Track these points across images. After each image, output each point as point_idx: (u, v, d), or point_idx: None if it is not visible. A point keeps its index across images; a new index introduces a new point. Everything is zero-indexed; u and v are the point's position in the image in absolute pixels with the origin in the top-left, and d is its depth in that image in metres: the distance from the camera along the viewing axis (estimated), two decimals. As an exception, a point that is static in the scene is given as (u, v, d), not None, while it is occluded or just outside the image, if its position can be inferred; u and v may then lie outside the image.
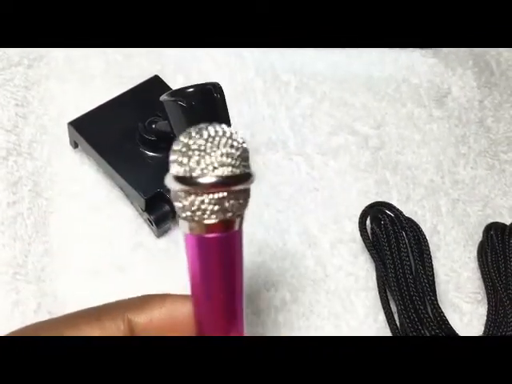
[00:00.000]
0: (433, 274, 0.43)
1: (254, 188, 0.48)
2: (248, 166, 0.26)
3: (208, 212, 0.24)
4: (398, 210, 0.46)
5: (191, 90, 0.39)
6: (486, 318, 0.44)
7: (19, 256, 0.41)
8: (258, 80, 0.55)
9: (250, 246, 0.46)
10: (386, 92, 0.56)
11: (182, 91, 0.40)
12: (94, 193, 0.46)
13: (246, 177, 0.25)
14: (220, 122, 0.40)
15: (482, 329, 0.44)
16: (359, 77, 0.56)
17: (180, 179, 0.25)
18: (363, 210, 0.47)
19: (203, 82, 0.41)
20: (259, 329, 0.42)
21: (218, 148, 0.24)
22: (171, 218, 0.44)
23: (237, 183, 0.25)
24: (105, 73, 0.51)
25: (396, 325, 0.43)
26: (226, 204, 0.24)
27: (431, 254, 0.47)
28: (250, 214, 0.48)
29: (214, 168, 0.24)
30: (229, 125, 0.41)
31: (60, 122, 0.47)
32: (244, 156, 0.25)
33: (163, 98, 0.40)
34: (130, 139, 0.45)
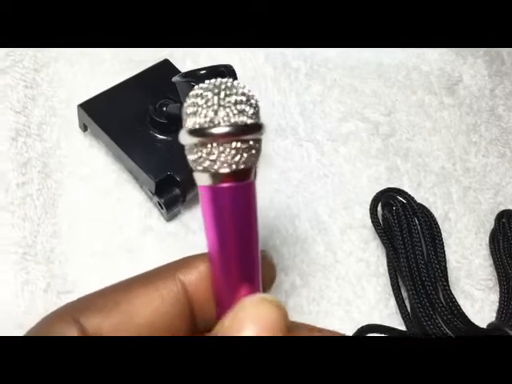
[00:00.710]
0: (445, 259, 0.43)
1: (264, 173, 0.48)
2: (259, 118, 0.26)
3: (222, 161, 0.24)
4: (409, 195, 0.46)
5: (204, 71, 0.39)
6: (497, 304, 0.44)
7: (29, 236, 0.41)
8: (268, 66, 0.54)
9: (260, 231, 0.45)
10: (396, 79, 0.56)
11: (194, 72, 0.39)
12: (103, 176, 0.45)
13: (257, 127, 0.25)
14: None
15: (494, 315, 0.44)
16: (370, 64, 0.56)
17: (193, 132, 0.25)
18: (374, 196, 0.46)
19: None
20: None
21: (231, 99, 0.24)
22: (181, 201, 0.44)
23: (249, 133, 0.25)
24: (115, 56, 0.51)
25: (407, 311, 0.43)
26: (239, 154, 0.25)
27: (444, 240, 0.47)
28: (259, 199, 0.48)
29: (226, 118, 0.24)
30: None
31: (69, 104, 0.47)
32: (255, 107, 0.25)
33: (175, 79, 0.40)
34: (141, 122, 0.45)
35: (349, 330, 0.42)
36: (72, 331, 0.24)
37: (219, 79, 0.25)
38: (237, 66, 0.53)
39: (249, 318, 0.23)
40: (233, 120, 0.24)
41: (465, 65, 0.58)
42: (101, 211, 0.44)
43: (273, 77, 0.54)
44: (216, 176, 0.25)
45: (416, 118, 0.54)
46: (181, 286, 0.26)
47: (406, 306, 0.43)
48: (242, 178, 0.25)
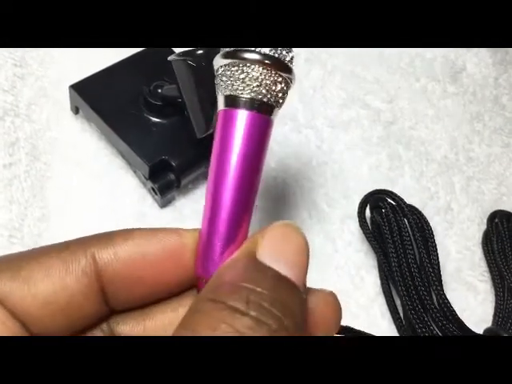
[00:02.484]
0: (438, 262, 0.41)
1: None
2: (292, 64, 0.27)
3: (246, 86, 0.26)
4: (399, 197, 0.44)
5: (201, 51, 0.38)
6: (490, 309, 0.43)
7: (15, 219, 0.39)
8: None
9: (258, 219, 0.44)
10: (399, 66, 0.54)
11: (191, 52, 0.38)
12: (95, 160, 0.44)
13: (288, 68, 0.27)
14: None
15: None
16: (372, 50, 0.54)
17: (227, 54, 0.26)
18: (362, 199, 0.44)
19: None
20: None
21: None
22: (175, 187, 0.42)
23: (279, 67, 0.26)
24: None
25: (401, 318, 0.41)
26: (265, 85, 0.26)
27: (445, 231, 0.45)
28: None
29: (265, 50, 0.26)
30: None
31: (61, 85, 0.45)
32: (290, 56, 0.27)
33: (172, 57, 0.38)
34: (135, 104, 0.43)
35: (347, 322, 0.41)
36: None
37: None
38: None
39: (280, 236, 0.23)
40: (265, 50, 0.26)
41: (469, 53, 0.56)
42: (92, 196, 0.42)
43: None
44: (237, 100, 0.26)
45: (419, 106, 0.52)
46: (91, 261, 0.24)
47: (398, 312, 0.41)
48: (262, 110, 0.26)
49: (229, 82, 0.26)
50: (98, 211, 0.42)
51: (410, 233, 0.42)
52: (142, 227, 0.26)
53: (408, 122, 0.51)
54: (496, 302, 0.42)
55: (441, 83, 0.54)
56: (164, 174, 0.41)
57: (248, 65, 0.26)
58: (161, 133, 0.42)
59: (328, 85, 0.52)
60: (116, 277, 0.24)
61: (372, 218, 0.44)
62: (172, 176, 0.41)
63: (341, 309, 0.27)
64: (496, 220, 0.45)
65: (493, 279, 0.43)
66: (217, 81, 0.27)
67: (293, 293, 0.22)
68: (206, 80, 0.37)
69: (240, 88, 0.26)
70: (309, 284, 0.42)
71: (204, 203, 0.26)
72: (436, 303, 0.40)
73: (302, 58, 0.53)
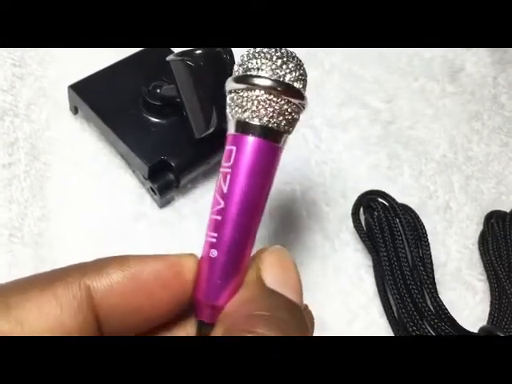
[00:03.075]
0: (431, 262, 0.41)
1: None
2: (304, 90, 0.27)
3: (256, 112, 0.25)
4: (391, 197, 0.44)
5: (200, 51, 0.38)
6: (484, 311, 0.42)
7: (15, 218, 0.39)
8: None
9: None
10: (397, 65, 0.54)
11: (189, 52, 0.38)
12: (94, 160, 0.44)
13: (299, 94, 0.26)
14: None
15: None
16: (370, 49, 0.55)
17: (239, 79, 0.26)
18: (356, 200, 0.45)
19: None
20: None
21: (282, 60, 0.26)
22: (175, 187, 0.42)
23: (291, 94, 0.26)
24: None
25: (395, 318, 0.41)
26: (274, 111, 0.25)
27: (445, 230, 0.46)
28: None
29: (272, 72, 0.25)
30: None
31: (60, 85, 0.45)
32: (303, 79, 0.27)
33: (170, 57, 0.38)
34: (134, 104, 0.43)
35: (345, 322, 0.41)
36: None
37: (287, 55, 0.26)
38: (234, 52, 0.52)
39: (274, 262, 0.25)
40: (277, 76, 0.25)
41: (467, 52, 0.56)
42: (91, 196, 0.42)
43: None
44: (246, 126, 0.26)
45: (417, 106, 0.52)
46: (85, 294, 0.23)
47: (393, 312, 0.41)
48: (270, 137, 0.26)
49: (239, 107, 0.26)
50: (97, 211, 0.42)
51: (402, 233, 0.42)
52: (136, 255, 0.25)
53: (407, 122, 0.51)
54: (491, 302, 0.42)
55: (439, 83, 0.54)
56: (163, 174, 0.41)
57: (259, 91, 0.25)
58: (160, 133, 0.42)
59: (326, 84, 0.52)
60: (112, 309, 0.24)
61: (366, 219, 0.44)
62: (171, 176, 0.41)
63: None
64: (492, 220, 0.45)
65: (488, 279, 0.43)
66: (228, 103, 0.27)
67: (300, 314, 0.24)
68: (204, 80, 0.37)
69: (250, 114, 0.26)
70: (307, 285, 0.42)
71: (207, 224, 0.26)
72: (429, 303, 0.40)
73: (299, 56, 0.53)
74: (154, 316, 0.25)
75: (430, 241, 0.44)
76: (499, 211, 0.46)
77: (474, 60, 0.56)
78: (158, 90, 0.42)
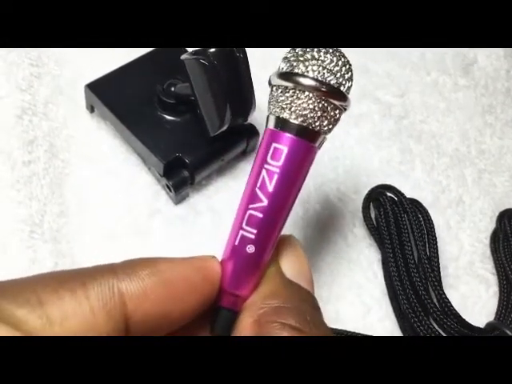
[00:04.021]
0: (437, 258, 0.41)
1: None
2: (348, 91, 0.27)
3: (296, 111, 0.26)
4: (399, 191, 0.44)
5: (213, 50, 0.38)
6: (496, 306, 0.42)
7: (35, 215, 0.40)
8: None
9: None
10: (409, 60, 0.54)
11: (203, 51, 0.38)
12: (110, 157, 0.45)
13: (341, 95, 0.26)
14: (242, 83, 0.39)
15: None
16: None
17: (282, 75, 0.26)
18: (366, 194, 0.45)
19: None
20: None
21: (328, 60, 0.26)
22: (189, 183, 0.43)
23: (334, 96, 0.26)
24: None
25: (402, 315, 0.41)
26: (313, 111, 0.26)
27: (458, 224, 0.46)
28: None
29: (318, 72, 0.26)
30: (251, 86, 0.40)
31: (76, 83, 0.46)
32: (348, 79, 0.27)
33: (184, 56, 0.39)
34: (149, 103, 0.44)
35: (359, 316, 0.42)
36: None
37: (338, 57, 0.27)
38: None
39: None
40: (321, 76, 0.26)
41: (480, 45, 0.56)
42: (108, 193, 0.43)
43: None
44: (285, 123, 0.26)
45: (430, 100, 0.52)
46: (118, 300, 0.22)
47: (400, 307, 0.41)
48: (306, 136, 0.26)
49: (280, 104, 0.26)
50: (114, 207, 0.43)
51: (409, 228, 0.42)
52: (164, 257, 0.25)
53: (419, 116, 0.51)
54: (499, 298, 0.42)
55: (452, 76, 0.54)
56: (178, 171, 0.42)
57: (302, 90, 0.25)
58: (174, 130, 0.43)
59: (339, 80, 0.52)
60: (144, 316, 0.23)
61: (375, 213, 0.44)
62: (186, 173, 0.42)
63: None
64: (504, 219, 0.45)
65: (498, 277, 0.44)
66: (270, 98, 0.27)
67: (316, 303, 0.27)
68: (218, 78, 0.38)
69: (290, 112, 0.26)
70: (323, 278, 0.43)
71: (239, 217, 0.27)
72: (435, 299, 0.40)
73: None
74: (181, 319, 0.25)
75: (442, 235, 0.45)
76: (511, 210, 0.46)
77: (487, 53, 0.56)
78: (173, 89, 0.43)
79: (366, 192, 0.46)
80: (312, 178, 0.47)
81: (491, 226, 0.46)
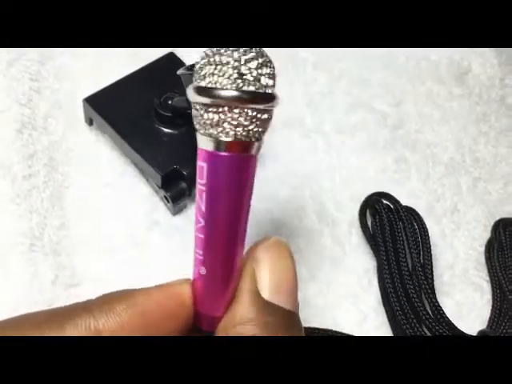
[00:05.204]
0: (431, 267, 0.42)
1: (270, 166, 0.48)
2: (273, 87, 0.24)
3: (225, 129, 0.23)
4: (395, 199, 0.45)
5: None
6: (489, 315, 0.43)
7: (36, 228, 0.41)
8: (275, 58, 0.54)
9: (266, 223, 0.45)
10: (405, 69, 0.55)
11: (199, 65, 0.39)
12: (109, 170, 0.46)
13: (267, 97, 0.24)
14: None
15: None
16: (377, 54, 0.55)
17: (201, 91, 0.23)
18: (363, 202, 0.46)
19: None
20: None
21: (244, 63, 0.23)
22: (187, 195, 0.44)
23: (257, 101, 0.23)
24: (121, 49, 0.51)
25: (396, 323, 0.41)
26: (244, 123, 0.23)
27: (453, 232, 0.46)
28: (265, 191, 0.47)
29: (236, 83, 0.23)
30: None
31: (75, 97, 0.47)
32: (270, 75, 0.24)
33: (180, 71, 0.39)
34: (146, 116, 0.44)
35: (355, 324, 0.42)
36: None
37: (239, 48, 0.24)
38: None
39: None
40: (241, 85, 0.23)
41: (474, 54, 0.57)
42: (107, 205, 0.44)
43: (280, 67, 0.53)
44: (217, 143, 0.23)
45: (424, 109, 0.53)
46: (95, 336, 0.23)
47: (394, 315, 0.41)
48: (244, 150, 0.24)
49: (203, 122, 0.23)
50: (113, 219, 0.44)
51: (404, 236, 0.43)
52: (140, 289, 0.25)
53: (414, 125, 0.52)
54: (492, 306, 0.43)
55: (446, 85, 0.55)
56: (176, 182, 0.43)
57: (222, 106, 0.23)
58: (172, 143, 0.44)
59: (335, 90, 0.53)
60: None
61: (371, 220, 0.45)
62: (184, 184, 0.43)
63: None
64: (499, 228, 0.45)
65: (492, 286, 0.44)
66: (193, 115, 0.24)
67: (296, 324, 0.25)
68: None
69: (215, 129, 0.23)
70: (319, 287, 0.43)
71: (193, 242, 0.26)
72: (428, 308, 0.40)
73: (309, 64, 0.54)
74: None
75: (438, 243, 0.45)
76: (506, 219, 0.46)
77: (481, 61, 0.57)
78: (170, 102, 0.44)
79: (361, 201, 0.47)
80: (309, 187, 0.48)
81: (485, 233, 0.47)
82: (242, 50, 0.23)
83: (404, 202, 0.47)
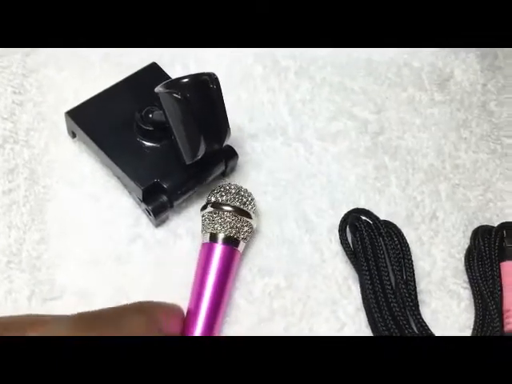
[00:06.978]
0: (414, 283, 0.43)
1: (252, 175, 0.48)
2: (253, 212, 0.44)
3: (222, 227, 0.42)
4: (374, 215, 0.45)
5: (186, 80, 0.39)
6: (468, 320, 0.44)
7: (14, 244, 0.42)
8: (257, 65, 0.54)
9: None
10: (386, 76, 0.55)
11: (176, 82, 0.39)
12: (92, 182, 0.46)
13: (248, 215, 0.43)
14: (216, 114, 0.40)
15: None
16: (360, 61, 0.56)
17: (212, 204, 0.43)
18: (342, 218, 0.46)
19: (201, 69, 0.41)
20: (254, 317, 0.43)
21: (242, 197, 0.44)
22: (169, 207, 0.44)
23: (242, 214, 0.43)
24: (104, 60, 0.51)
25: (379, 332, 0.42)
26: (233, 225, 0.42)
27: (431, 239, 0.47)
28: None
29: (233, 203, 0.43)
30: (225, 114, 0.41)
31: (58, 109, 0.47)
32: (251, 204, 0.44)
33: (158, 89, 0.40)
34: (128, 129, 0.45)
35: (334, 331, 0.43)
36: None
37: (240, 189, 0.44)
38: (226, 66, 0.53)
39: None
40: (234, 204, 0.43)
41: (457, 60, 0.57)
42: (90, 217, 0.45)
43: (262, 75, 0.54)
44: (215, 237, 0.42)
45: (406, 116, 0.53)
46: None
47: (378, 327, 0.42)
48: (231, 244, 0.42)
49: (211, 224, 0.42)
50: (95, 231, 0.44)
51: (385, 253, 0.43)
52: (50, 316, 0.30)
53: (395, 132, 0.52)
54: (475, 316, 0.44)
55: (428, 92, 0.55)
56: (157, 196, 0.43)
57: (224, 213, 0.42)
58: (153, 156, 0.44)
59: (317, 98, 0.53)
60: None
61: (352, 238, 0.45)
62: (165, 198, 0.43)
63: None
64: (478, 236, 0.46)
65: (473, 295, 0.45)
66: (202, 221, 0.43)
67: None
68: (191, 111, 0.39)
69: (218, 228, 0.42)
70: (297, 295, 0.44)
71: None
72: (413, 325, 0.41)
73: (291, 71, 0.54)
74: None
75: (415, 251, 0.46)
76: (485, 226, 0.47)
77: (464, 67, 0.57)
78: (150, 115, 0.44)
79: (342, 208, 0.48)
80: (290, 195, 0.48)
81: (464, 240, 0.48)
82: (238, 187, 0.45)
83: (383, 209, 0.48)
